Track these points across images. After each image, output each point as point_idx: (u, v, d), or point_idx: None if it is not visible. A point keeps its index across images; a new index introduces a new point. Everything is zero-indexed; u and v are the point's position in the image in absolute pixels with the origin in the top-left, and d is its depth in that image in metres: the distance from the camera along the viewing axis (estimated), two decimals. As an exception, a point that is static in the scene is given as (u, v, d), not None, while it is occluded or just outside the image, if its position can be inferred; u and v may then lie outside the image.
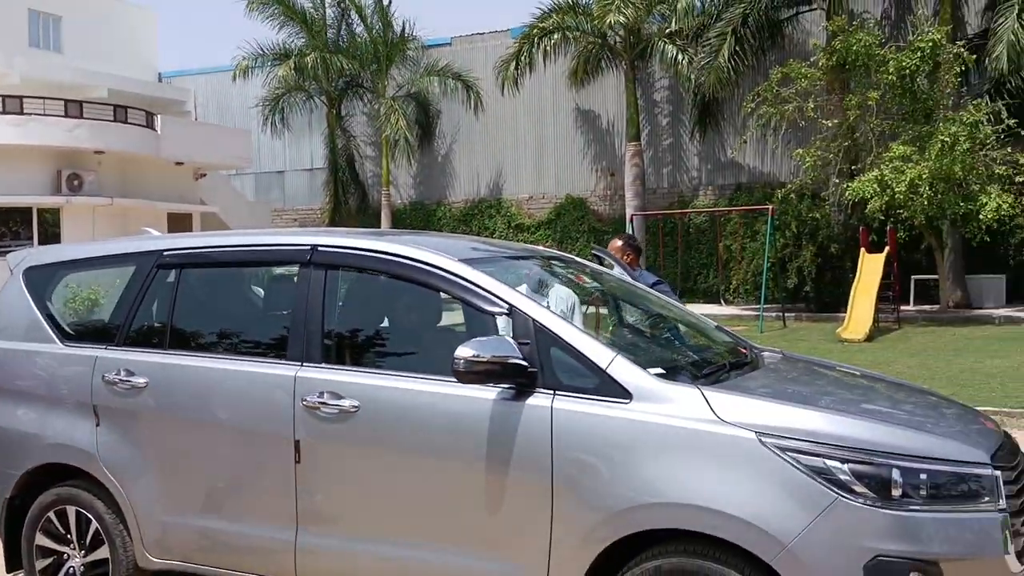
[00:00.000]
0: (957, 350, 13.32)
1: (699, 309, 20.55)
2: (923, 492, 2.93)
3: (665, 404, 3.19)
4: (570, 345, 3.38)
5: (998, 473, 3.04)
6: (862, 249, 17.40)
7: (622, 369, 3.29)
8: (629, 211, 22.48)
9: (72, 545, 4.30)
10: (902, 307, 18.13)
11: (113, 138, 20.92)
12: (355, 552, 3.66)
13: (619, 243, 6.21)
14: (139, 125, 21.79)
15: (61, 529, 4.32)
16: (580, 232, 25.18)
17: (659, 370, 3.36)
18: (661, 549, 3.15)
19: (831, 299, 18.97)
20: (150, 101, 24.41)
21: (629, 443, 3.18)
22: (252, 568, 3.89)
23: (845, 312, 16.49)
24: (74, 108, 20.80)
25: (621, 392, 3.24)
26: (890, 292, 17.38)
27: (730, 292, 22.04)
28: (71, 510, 4.28)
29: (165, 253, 4.33)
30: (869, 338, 15.23)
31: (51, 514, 4.32)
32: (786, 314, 18.88)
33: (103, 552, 4.21)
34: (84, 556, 4.26)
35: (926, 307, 19.53)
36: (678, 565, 3.10)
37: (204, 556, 4.02)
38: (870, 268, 16.85)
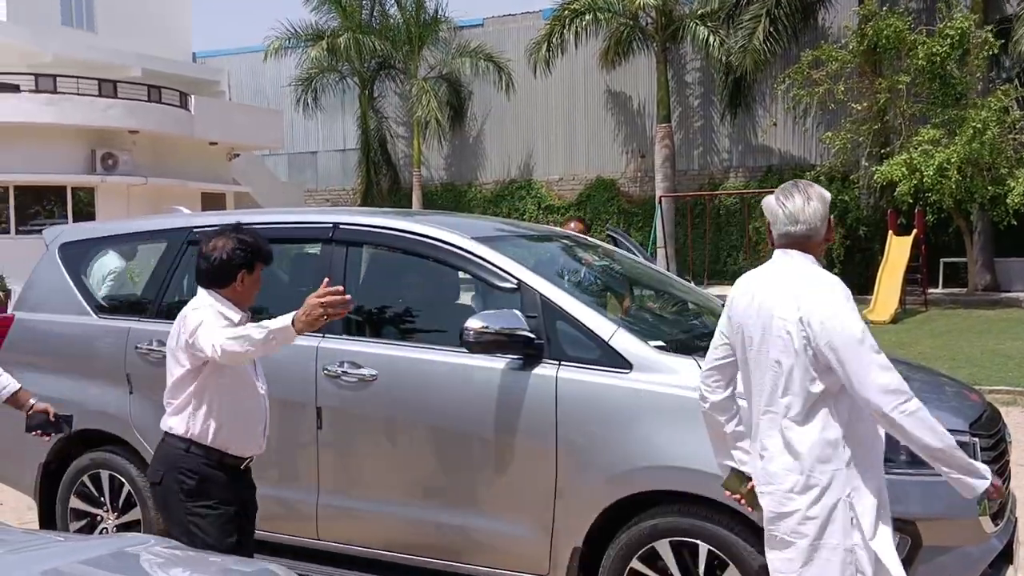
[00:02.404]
0: (980, 332, 13.31)
1: (728, 291, 20.59)
2: (904, 457, 3.08)
3: (663, 374, 3.37)
4: (575, 319, 3.57)
5: (976, 440, 3.19)
6: (890, 232, 17.35)
7: (623, 341, 3.47)
8: (659, 192, 22.49)
9: (105, 507, 4.47)
10: (930, 290, 18.06)
11: (147, 118, 21.04)
12: (373, 514, 3.88)
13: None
14: (173, 105, 21.92)
15: (95, 492, 4.49)
16: (610, 213, 25.23)
17: (659, 342, 3.55)
18: (657, 510, 3.33)
19: (860, 281, 18.83)
20: (184, 81, 24.55)
21: (628, 410, 3.37)
22: (278, 528, 4.09)
23: (872, 294, 16.48)
24: (108, 87, 20.88)
25: (622, 362, 3.43)
26: (918, 275, 17.32)
27: (759, 274, 21.99)
28: (104, 474, 4.45)
29: (195, 230, 4.54)
30: (895, 320, 15.23)
31: (85, 478, 4.50)
32: (813, 296, 18.82)
33: (135, 514, 4.39)
34: (117, 518, 4.45)
35: (955, 290, 19.42)
36: (672, 524, 3.29)
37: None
38: (897, 250, 16.80)
